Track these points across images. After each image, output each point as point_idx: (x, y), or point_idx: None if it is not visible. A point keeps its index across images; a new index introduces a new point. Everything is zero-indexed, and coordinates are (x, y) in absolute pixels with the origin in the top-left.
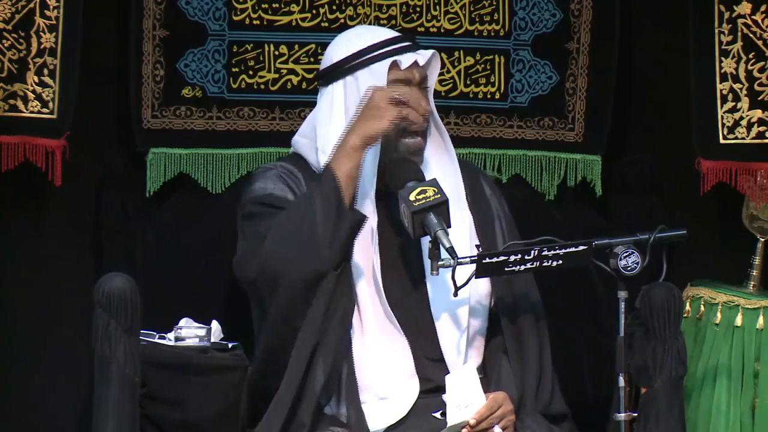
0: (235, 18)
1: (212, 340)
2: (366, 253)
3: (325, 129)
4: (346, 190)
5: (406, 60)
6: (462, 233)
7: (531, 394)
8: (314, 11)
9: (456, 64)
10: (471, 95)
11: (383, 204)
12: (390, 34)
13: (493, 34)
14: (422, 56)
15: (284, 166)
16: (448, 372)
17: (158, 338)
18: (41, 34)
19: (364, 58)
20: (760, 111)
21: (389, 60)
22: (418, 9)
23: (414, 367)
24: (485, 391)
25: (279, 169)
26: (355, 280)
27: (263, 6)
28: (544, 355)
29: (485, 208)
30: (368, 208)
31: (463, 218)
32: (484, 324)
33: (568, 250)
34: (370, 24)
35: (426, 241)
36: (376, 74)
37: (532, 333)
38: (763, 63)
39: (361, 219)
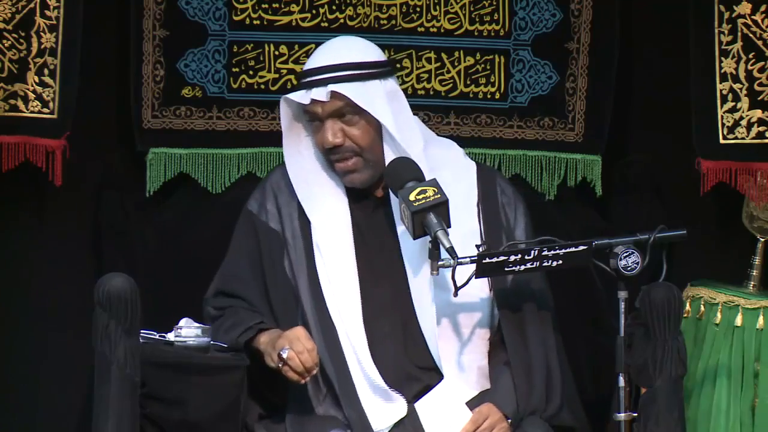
0: (235, 18)
1: (212, 340)
2: (344, 261)
3: None
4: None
5: (303, 98)
6: (467, 241)
7: (536, 400)
8: (314, 11)
9: (456, 64)
10: (471, 95)
11: (382, 210)
12: (310, 64)
13: (493, 34)
14: (322, 93)
15: (282, 173)
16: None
17: (158, 338)
18: (41, 34)
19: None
20: (760, 111)
21: (289, 95)
22: (418, 9)
23: (391, 378)
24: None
25: (272, 180)
26: (332, 288)
27: (263, 6)
28: (551, 357)
29: (494, 218)
30: (342, 214)
31: (471, 226)
32: (483, 326)
33: (568, 250)
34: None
35: (409, 245)
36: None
37: (536, 335)
38: (763, 63)
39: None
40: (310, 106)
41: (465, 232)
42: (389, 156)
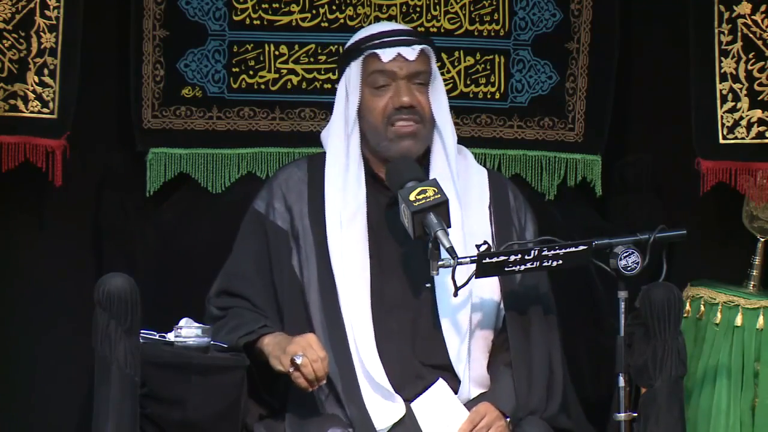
0: (235, 18)
1: (212, 340)
2: (357, 256)
3: (333, 114)
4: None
5: (387, 54)
6: (477, 241)
7: (536, 400)
8: (314, 11)
9: (456, 64)
10: (471, 95)
11: (397, 207)
12: (391, 27)
13: (493, 34)
14: (409, 51)
15: (289, 173)
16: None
17: (158, 338)
18: (41, 34)
19: (359, 48)
20: (759, 111)
21: (368, 52)
22: (418, 9)
23: (397, 375)
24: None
25: (280, 179)
26: (343, 283)
27: (263, 6)
28: (554, 360)
29: (506, 221)
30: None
31: (483, 229)
32: (488, 327)
33: (568, 250)
34: (369, 24)
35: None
36: (358, 66)
37: (540, 338)
38: (763, 63)
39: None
40: (390, 64)
41: (477, 234)
42: (437, 136)
